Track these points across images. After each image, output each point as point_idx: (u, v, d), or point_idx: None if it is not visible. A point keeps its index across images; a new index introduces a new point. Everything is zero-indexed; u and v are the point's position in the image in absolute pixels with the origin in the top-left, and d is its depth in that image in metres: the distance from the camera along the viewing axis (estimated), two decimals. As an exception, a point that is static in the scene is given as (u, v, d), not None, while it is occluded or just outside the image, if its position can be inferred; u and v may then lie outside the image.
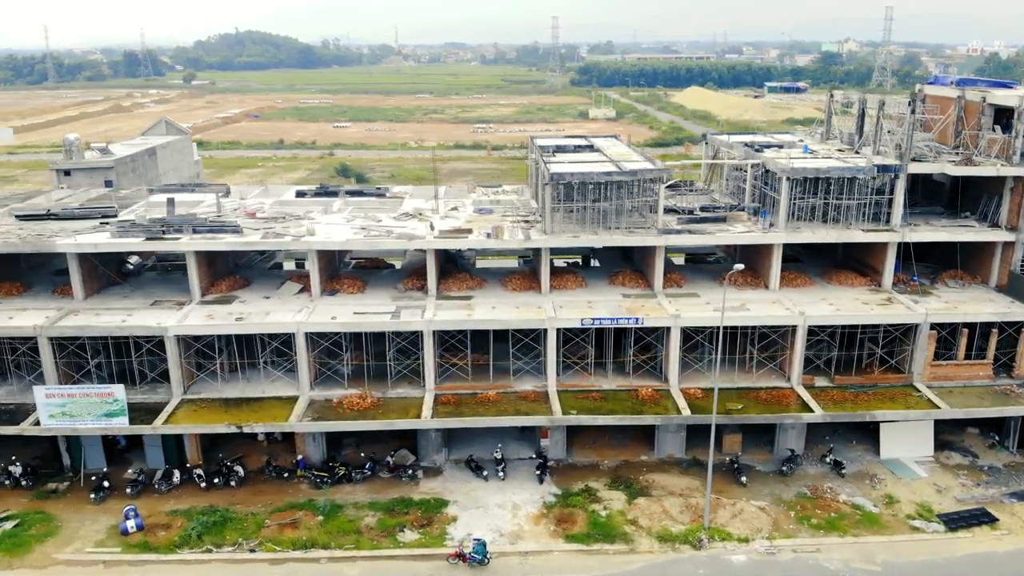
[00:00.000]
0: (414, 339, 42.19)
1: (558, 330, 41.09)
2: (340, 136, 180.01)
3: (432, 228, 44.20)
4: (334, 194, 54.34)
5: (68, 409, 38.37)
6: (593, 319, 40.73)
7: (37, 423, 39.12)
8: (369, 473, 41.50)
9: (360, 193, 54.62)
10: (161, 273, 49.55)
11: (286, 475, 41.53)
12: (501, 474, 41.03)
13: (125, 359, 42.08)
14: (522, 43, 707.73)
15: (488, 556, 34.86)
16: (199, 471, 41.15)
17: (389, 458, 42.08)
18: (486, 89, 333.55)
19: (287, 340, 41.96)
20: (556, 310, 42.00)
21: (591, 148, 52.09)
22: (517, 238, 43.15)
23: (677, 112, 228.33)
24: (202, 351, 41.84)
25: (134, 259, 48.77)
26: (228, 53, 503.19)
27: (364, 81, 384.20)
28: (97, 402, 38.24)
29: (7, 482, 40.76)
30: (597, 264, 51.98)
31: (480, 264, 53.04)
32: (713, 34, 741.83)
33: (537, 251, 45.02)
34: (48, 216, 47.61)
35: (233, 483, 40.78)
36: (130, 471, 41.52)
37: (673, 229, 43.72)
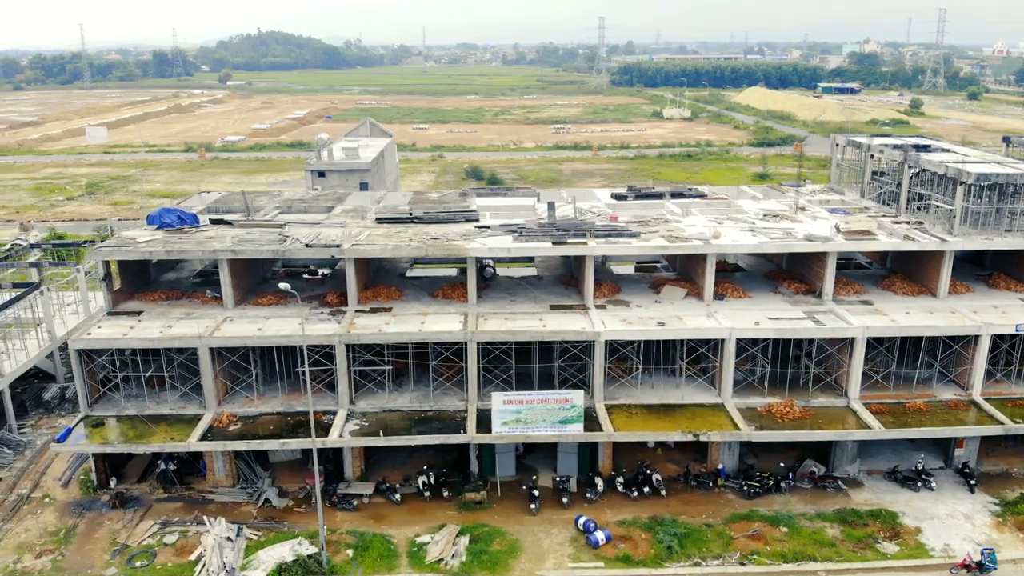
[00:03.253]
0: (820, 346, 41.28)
1: (991, 336, 40.08)
2: (427, 138, 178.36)
3: (838, 229, 43.13)
4: (658, 196, 53.15)
5: (523, 416, 37.10)
6: (1032, 324, 39.75)
7: (484, 430, 37.83)
8: (793, 483, 40.48)
9: (681, 195, 53.43)
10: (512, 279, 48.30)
11: (710, 484, 40.43)
12: (933, 484, 40.04)
13: (533, 364, 40.95)
14: (532, 44, 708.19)
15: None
16: (620, 479, 40.03)
17: (814, 468, 41.01)
18: (527, 90, 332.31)
19: (697, 344, 40.91)
20: (974, 315, 41.00)
21: (927, 148, 51.10)
22: (932, 239, 42.16)
23: (747, 112, 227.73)
24: (626, 356, 40.67)
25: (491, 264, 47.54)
26: (253, 54, 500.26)
27: (400, 82, 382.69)
28: (555, 408, 37.00)
29: (426, 494, 39.47)
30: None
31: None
32: (731, 35, 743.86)
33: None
34: (411, 219, 46.27)
35: (663, 492, 39.65)
36: (559, 477, 40.18)
37: (1088, 232, 42.92)
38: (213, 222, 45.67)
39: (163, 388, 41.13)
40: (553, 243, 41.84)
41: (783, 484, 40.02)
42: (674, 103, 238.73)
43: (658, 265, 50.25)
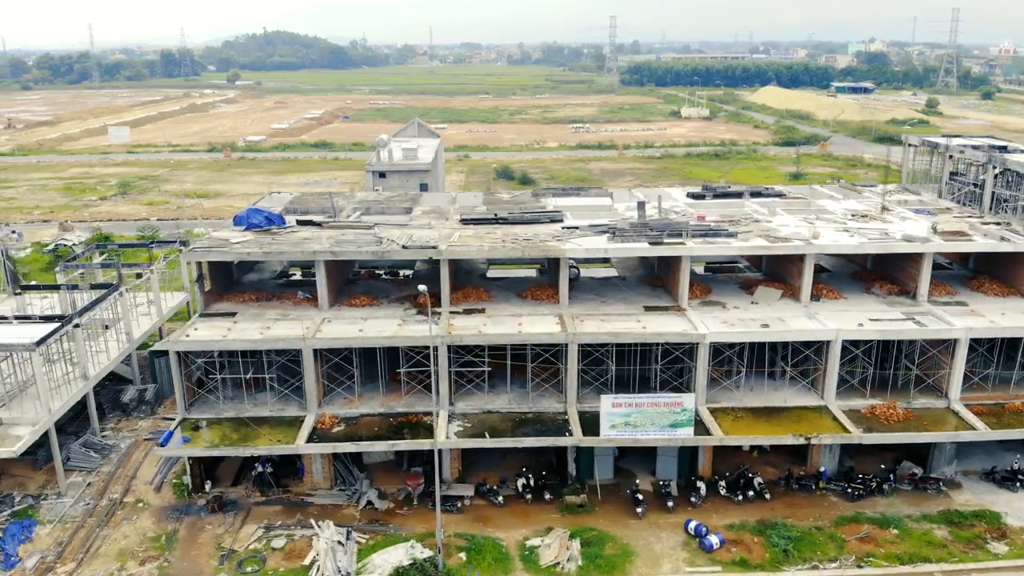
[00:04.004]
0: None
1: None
2: (448, 137, 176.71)
3: (935, 230, 42.98)
4: (736, 195, 52.97)
5: (633, 419, 36.90)
6: None
7: (589, 433, 37.63)
8: (894, 485, 40.33)
9: (759, 194, 53.27)
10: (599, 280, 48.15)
11: (812, 487, 40.25)
12: (1032, 484, 40.00)
13: (631, 366, 40.74)
14: (535, 43, 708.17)
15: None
16: (722, 483, 39.87)
17: (914, 470, 40.86)
18: (538, 89, 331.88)
19: (800, 347, 40.71)
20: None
21: (1005, 148, 51.03)
22: (1027, 240, 42.09)
23: (764, 111, 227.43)
24: (726, 358, 40.51)
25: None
26: (260, 54, 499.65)
27: (408, 81, 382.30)
28: (665, 412, 36.79)
29: (527, 496, 39.30)
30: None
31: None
32: (734, 34, 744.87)
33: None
34: (496, 220, 46.10)
35: (766, 495, 39.48)
36: (660, 481, 39.99)
37: None
38: (300, 223, 45.44)
39: (260, 390, 40.88)
40: (649, 243, 41.63)
41: (885, 486, 39.87)
42: (690, 102, 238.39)
43: (739, 265, 50.08)
